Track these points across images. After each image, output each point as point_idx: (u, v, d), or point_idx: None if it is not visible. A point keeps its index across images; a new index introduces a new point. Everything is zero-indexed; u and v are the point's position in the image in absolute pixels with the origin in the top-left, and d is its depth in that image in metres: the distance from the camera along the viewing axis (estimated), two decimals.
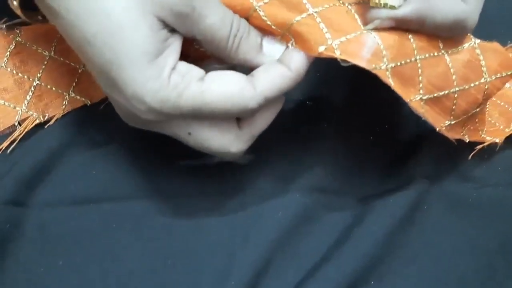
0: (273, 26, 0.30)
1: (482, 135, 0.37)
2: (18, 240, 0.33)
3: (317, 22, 0.29)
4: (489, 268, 0.35)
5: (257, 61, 0.31)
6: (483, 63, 0.32)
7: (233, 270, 0.33)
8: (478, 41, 0.32)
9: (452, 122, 0.32)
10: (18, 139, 0.35)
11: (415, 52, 0.29)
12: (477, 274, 0.34)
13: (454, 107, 0.32)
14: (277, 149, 0.37)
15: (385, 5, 0.28)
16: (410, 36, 0.29)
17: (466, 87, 0.32)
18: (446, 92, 0.31)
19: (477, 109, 0.34)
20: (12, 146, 0.35)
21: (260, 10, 0.30)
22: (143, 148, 0.36)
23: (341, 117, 0.38)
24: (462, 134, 0.35)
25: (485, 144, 0.37)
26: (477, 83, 0.32)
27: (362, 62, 0.27)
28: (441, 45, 0.31)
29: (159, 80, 0.28)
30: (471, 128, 0.36)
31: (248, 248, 0.34)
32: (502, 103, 0.40)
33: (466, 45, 0.32)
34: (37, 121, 0.36)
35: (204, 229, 0.34)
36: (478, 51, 0.32)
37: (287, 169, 0.36)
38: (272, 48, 0.31)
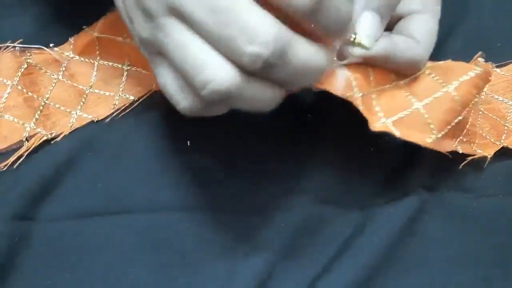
0: None
1: (473, 148, 0.38)
2: (25, 254, 0.33)
3: None
4: (486, 280, 0.35)
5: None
6: (434, 78, 0.34)
7: (235, 282, 0.33)
8: (428, 63, 0.34)
9: (439, 135, 0.33)
10: (25, 155, 0.36)
11: (372, 85, 0.33)
12: (475, 286, 0.34)
13: (429, 121, 0.33)
14: (278, 160, 0.37)
15: (359, 44, 0.31)
16: (369, 70, 0.33)
17: (428, 101, 0.33)
18: (409, 111, 0.33)
19: (460, 118, 0.34)
20: (19, 162, 0.36)
21: None
22: (146, 163, 0.37)
23: (341, 128, 0.39)
24: (455, 146, 0.36)
25: (475, 157, 0.38)
26: (439, 94, 0.33)
27: (337, 91, 0.31)
28: (393, 77, 0.34)
29: None
30: (464, 140, 0.37)
31: (249, 260, 0.34)
32: (494, 117, 0.40)
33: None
34: (45, 138, 0.37)
35: (206, 241, 0.34)
36: (427, 71, 0.34)
37: (288, 181, 0.37)
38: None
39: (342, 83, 0.31)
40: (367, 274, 0.34)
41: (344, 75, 0.31)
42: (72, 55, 0.39)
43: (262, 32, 0.25)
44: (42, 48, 0.38)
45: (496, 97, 0.41)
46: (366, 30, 0.31)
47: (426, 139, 0.32)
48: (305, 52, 0.27)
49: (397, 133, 0.32)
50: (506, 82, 0.41)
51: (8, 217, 0.34)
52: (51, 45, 0.38)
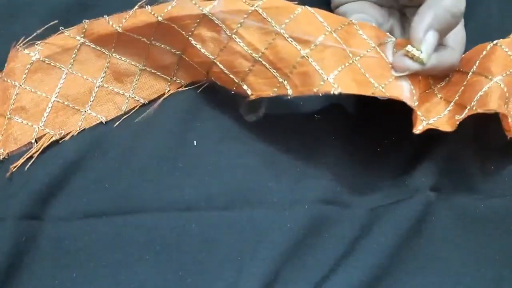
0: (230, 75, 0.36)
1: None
2: (33, 253, 0.34)
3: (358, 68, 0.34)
4: (495, 281, 0.34)
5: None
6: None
7: (241, 283, 0.33)
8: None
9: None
10: (35, 156, 0.36)
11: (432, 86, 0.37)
12: (483, 287, 0.34)
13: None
14: (285, 161, 0.37)
15: (418, 59, 0.34)
16: (419, 78, 0.36)
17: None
18: (443, 114, 0.36)
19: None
20: (30, 163, 0.36)
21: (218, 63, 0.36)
22: (154, 162, 0.37)
23: (348, 129, 0.39)
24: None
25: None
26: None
27: (407, 100, 0.34)
28: (431, 82, 0.37)
29: None
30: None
31: (256, 261, 0.34)
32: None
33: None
34: (53, 138, 0.37)
35: (213, 242, 0.35)
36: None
37: (295, 181, 0.37)
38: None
39: (408, 93, 0.34)
40: (374, 275, 0.34)
41: (408, 86, 0.34)
42: (83, 40, 0.37)
43: None
44: (51, 37, 0.37)
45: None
46: (429, 49, 0.33)
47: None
48: None
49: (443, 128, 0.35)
50: None
51: (17, 216, 0.34)
52: (61, 28, 0.37)
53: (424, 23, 0.33)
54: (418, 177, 0.37)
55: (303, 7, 0.34)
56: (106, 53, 0.38)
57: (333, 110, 0.39)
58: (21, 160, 0.36)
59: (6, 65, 0.37)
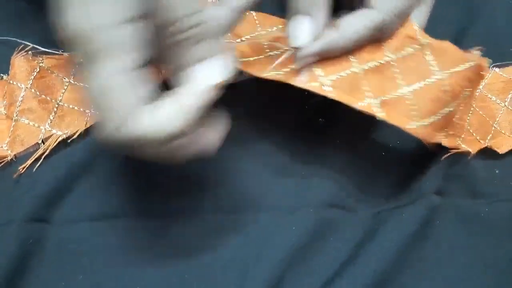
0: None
1: (458, 142, 0.38)
2: (39, 255, 0.34)
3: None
4: (500, 285, 0.35)
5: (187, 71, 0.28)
6: (428, 59, 0.34)
7: (246, 286, 0.33)
8: (427, 41, 0.34)
9: (420, 123, 0.33)
10: (43, 157, 0.36)
11: (352, 64, 0.33)
12: None
13: (414, 107, 0.33)
14: (290, 165, 0.37)
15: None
16: (349, 56, 0.34)
17: (417, 87, 0.33)
18: (396, 94, 0.33)
19: (448, 109, 0.34)
20: (38, 164, 0.36)
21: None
22: (160, 165, 0.37)
23: (353, 133, 0.39)
24: (439, 137, 0.36)
25: (458, 150, 0.37)
26: (429, 81, 0.34)
27: (299, 83, 0.33)
28: (387, 53, 0.34)
29: None
30: (450, 133, 0.37)
31: (261, 264, 0.34)
32: (484, 115, 0.40)
33: (410, 49, 0.34)
34: (60, 138, 0.37)
35: (218, 245, 0.35)
36: (425, 50, 0.34)
37: (300, 185, 0.37)
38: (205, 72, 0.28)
39: (305, 77, 0.33)
40: (378, 279, 0.34)
41: (306, 70, 0.33)
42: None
43: None
44: (54, 53, 0.38)
45: (490, 96, 0.41)
46: (292, 32, 0.33)
47: (407, 125, 0.33)
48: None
49: (381, 114, 0.33)
50: (503, 83, 0.41)
51: (23, 219, 0.34)
52: (60, 51, 0.39)
53: (290, 9, 0.33)
54: (422, 181, 0.37)
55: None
56: None
57: (338, 114, 0.39)
58: (29, 162, 0.36)
59: (10, 68, 0.38)
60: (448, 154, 0.37)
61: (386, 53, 0.34)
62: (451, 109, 0.34)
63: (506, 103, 0.40)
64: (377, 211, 0.37)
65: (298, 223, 0.35)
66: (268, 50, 0.36)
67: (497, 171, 0.38)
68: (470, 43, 0.37)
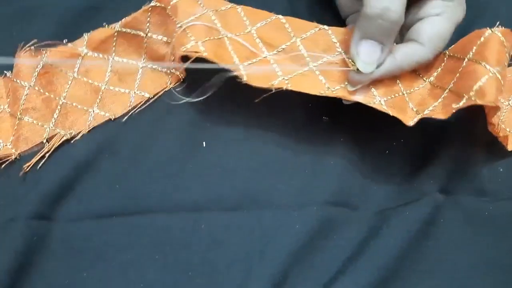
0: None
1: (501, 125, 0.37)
2: (43, 253, 0.34)
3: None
4: (504, 283, 0.35)
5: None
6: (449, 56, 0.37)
7: (250, 284, 0.34)
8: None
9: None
10: (47, 156, 0.36)
11: (401, 89, 0.37)
12: None
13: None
14: (294, 163, 0.38)
15: (358, 71, 0.35)
16: (397, 80, 0.37)
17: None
18: (436, 104, 0.36)
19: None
20: (42, 163, 0.36)
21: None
22: (164, 163, 0.37)
23: (357, 131, 0.39)
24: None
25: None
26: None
27: (359, 99, 0.36)
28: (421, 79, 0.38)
29: None
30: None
31: (265, 262, 0.34)
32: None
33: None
34: (64, 138, 0.37)
35: (222, 243, 0.35)
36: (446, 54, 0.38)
37: (304, 183, 0.37)
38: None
39: (360, 95, 0.36)
40: (382, 277, 0.34)
41: (364, 88, 0.36)
42: (86, 51, 0.39)
43: None
44: (57, 45, 0.38)
45: None
46: (366, 58, 0.34)
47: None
48: None
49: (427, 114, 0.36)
50: (509, 82, 0.40)
51: (28, 217, 0.34)
52: (64, 41, 0.39)
53: (353, 36, 0.35)
54: (426, 179, 0.37)
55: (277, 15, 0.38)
56: (107, 57, 0.39)
57: (341, 112, 0.39)
58: (34, 160, 0.36)
59: (14, 66, 0.38)
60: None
61: (424, 79, 0.38)
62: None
63: (510, 102, 0.40)
64: (380, 209, 0.37)
65: (302, 221, 0.35)
66: (313, 65, 0.37)
67: (501, 169, 0.38)
68: None
